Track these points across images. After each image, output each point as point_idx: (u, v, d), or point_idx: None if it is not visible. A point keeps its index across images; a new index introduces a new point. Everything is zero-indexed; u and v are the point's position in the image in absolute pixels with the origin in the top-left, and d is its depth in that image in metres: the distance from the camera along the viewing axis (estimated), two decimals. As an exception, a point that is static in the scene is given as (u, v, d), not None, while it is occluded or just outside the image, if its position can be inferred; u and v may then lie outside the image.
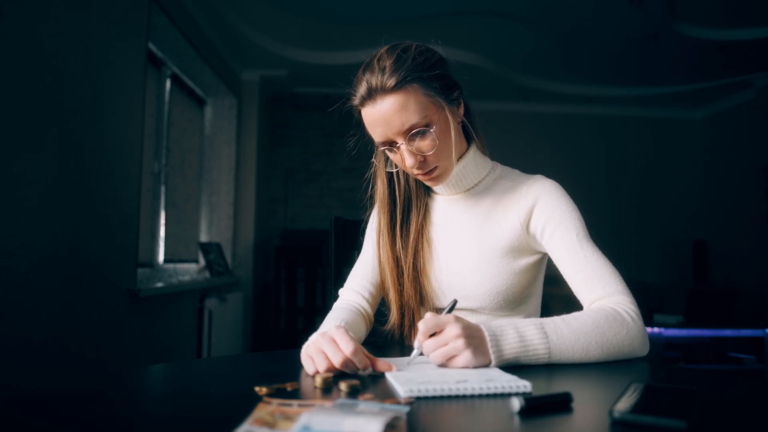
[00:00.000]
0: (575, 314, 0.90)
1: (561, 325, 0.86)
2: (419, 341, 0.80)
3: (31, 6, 1.71)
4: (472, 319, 1.07)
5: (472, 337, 0.79)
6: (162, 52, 3.20)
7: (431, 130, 0.95)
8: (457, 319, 0.80)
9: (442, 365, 0.79)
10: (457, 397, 0.66)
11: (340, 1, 3.43)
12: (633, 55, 4.18)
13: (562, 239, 1.00)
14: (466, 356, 0.78)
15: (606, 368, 0.85)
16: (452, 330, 0.78)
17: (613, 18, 3.57)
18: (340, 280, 1.19)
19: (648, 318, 3.81)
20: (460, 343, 0.77)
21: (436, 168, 0.99)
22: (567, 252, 0.99)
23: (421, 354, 0.82)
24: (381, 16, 3.61)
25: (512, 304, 1.05)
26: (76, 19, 1.97)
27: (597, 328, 0.87)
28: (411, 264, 1.08)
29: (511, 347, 0.81)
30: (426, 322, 0.79)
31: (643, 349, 0.91)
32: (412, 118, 0.92)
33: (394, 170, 1.08)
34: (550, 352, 0.83)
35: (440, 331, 0.79)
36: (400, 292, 1.08)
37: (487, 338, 0.80)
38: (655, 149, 5.53)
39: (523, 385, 0.68)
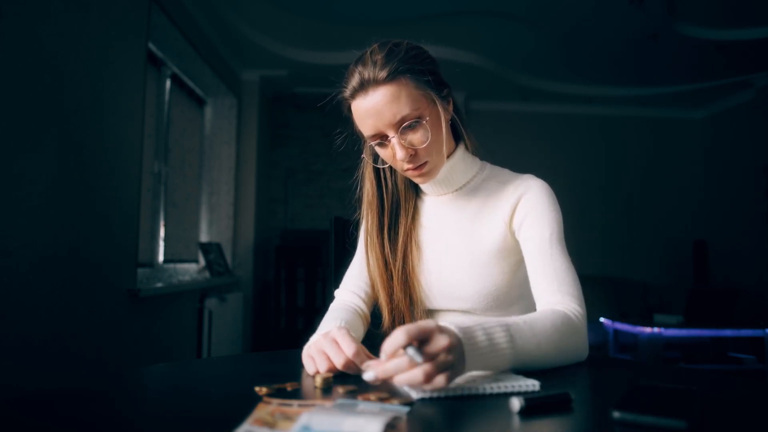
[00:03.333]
0: (534, 317, 0.85)
1: (524, 328, 0.80)
2: (387, 353, 0.67)
3: (31, 6, 1.71)
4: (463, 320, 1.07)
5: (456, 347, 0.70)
6: (162, 52, 3.20)
7: (423, 122, 0.95)
8: (440, 327, 0.70)
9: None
10: (461, 397, 0.66)
11: (340, 1, 3.43)
12: (633, 55, 4.18)
13: (534, 235, 1.00)
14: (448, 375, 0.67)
15: (606, 368, 0.85)
16: (441, 340, 0.68)
17: (613, 18, 3.57)
18: (339, 279, 1.19)
19: (648, 318, 3.81)
20: (449, 359, 0.68)
21: (426, 163, 0.99)
22: (536, 248, 0.99)
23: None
24: (381, 16, 3.61)
25: (503, 304, 1.05)
26: (76, 19, 1.97)
27: (556, 332, 0.84)
28: (400, 267, 1.08)
29: (481, 354, 0.73)
30: (406, 331, 0.67)
31: (585, 354, 0.90)
32: (404, 109, 0.93)
33: (382, 167, 1.07)
34: (516, 355, 0.77)
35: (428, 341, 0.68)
36: (391, 296, 1.08)
37: (465, 345, 0.71)
38: (655, 149, 5.53)
39: (532, 384, 0.68)
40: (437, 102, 0.98)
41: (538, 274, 0.97)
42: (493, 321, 0.78)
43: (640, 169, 5.49)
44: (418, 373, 0.64)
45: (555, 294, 0.94)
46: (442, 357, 0.66)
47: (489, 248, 1.04)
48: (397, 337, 0.66)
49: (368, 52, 0.95)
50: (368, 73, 0.92)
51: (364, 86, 0.93)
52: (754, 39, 3.75)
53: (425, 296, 1.08)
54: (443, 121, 0.99)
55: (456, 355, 0.68)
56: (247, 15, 3.62)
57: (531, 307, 1.12)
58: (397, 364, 0.66)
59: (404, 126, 0.94)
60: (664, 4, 3.38)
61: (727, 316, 3.58)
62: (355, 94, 0.95)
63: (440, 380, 0.65)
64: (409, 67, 0.93)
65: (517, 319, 0.82)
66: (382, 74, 0.91)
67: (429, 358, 0.66)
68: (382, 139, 0.97)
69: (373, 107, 0.93)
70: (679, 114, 5.55)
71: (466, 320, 0.76)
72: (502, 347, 0.75)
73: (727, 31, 3.76)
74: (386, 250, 1.09)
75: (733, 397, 0.70)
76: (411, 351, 0.65)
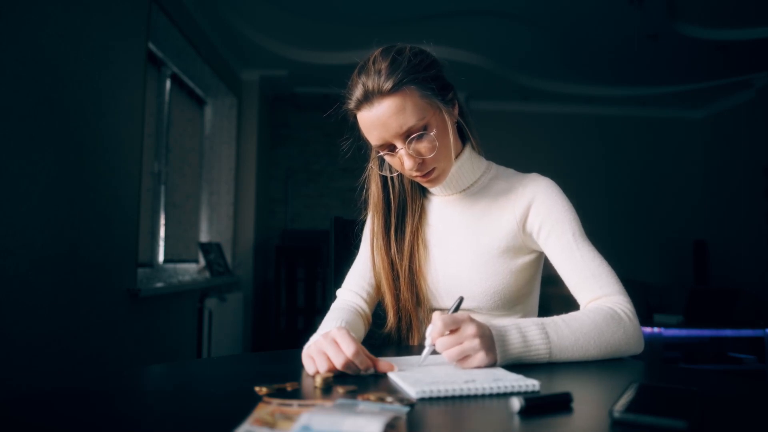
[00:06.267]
0: (574, 314, 0.90)
1: (561, 325, 0.86)
2: (433, 338, 0.78)
3: (31, 6, 1.71)
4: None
5: (485, 336, 0.79)
6: (162, 52, 3.20)
7: (430, 133, 0.94)
8: (471, 318, 0.80)
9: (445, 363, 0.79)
10: (460, 397, 0.66)
11: (340, 1, 3.43)
12: (633, 55, 4.18)
13: (558, 239, 1.00)
14: (480, 357, 0.78)
15: (606, 368, 0.85)
16: (469, 329, 0.78)
17: (613, 18, 3.57)
18: (340, 280, 1.19)
19: (648, 318, 3.81)
20: (476, 343, 0.77)
21: (434, 169, 0.99)
22: (563, 252, 0.99)
23: (433, 353, 0.81)
24: (381, 16, 3.61)
25: (509, 303, 1.05)
26: (76, 20, 1.97)
27: (595, 328, 0.88)
28: (407, 267, 1.08)
29: (514, 347, 0.81)
30: (442, 319, 0.78)
31: (639, 348, 0.92)
32: (410, 120, 0.92)
33: (389, 174, 1.07)
34: (551, 352, 0.84)
35: (456, 329, 0.78)
36: (396, 296, 1.08)
37: (495, 338, 0.80)
38: (655, 149, 5.54)
39: (531, 384, 0.68)
40: (442, 109, 0.97)
41: (574, 278, 0.98)
42: (529, 320, 0.85)
43: (640, 169, 5.49)
44: (453, 351, 0.77)
45: (596, 292, 0.96)
46: (467, 342, 0.77)
47: (496, 247, 1.04)
48: (437, 325, 0.78)
49: (371, 61, 0.93)
50: (372, 83, 0.91)
51: (368, 98, 0.92)
52: (754, 39, 3.75)
53: (431, 295, 1.08)
54: (449, 127, 0.98)
55: (485, 343, 0.78)
56: (247, 15, 3.62)
57: (535, 306, 1.13)
58: (441, 342, 0.79)
59: (411, 137, 0.94)
60: (664, 4, 3.38)
61: (727, 316, 3.58)
62: (359, 105, 0.94)
63: (470, 362, 0.78)
64: (414, 76, 0.91)
65: (555, 318, 0.88)
66: (387, 85, 0.90)
67: (458, 341, 0.77)
68: (390, 149, 0.97)
69: (379, 119, 0.92)
70: (679, 114, 5.55)
71: (503, 320, 0.84)
72: (537, 344, 0.83)
73: (727, 31, 3.76)
74: (392, 251, 1.09)
75: (733, 397, 0.70)
76: (429, 341, 0.79)
